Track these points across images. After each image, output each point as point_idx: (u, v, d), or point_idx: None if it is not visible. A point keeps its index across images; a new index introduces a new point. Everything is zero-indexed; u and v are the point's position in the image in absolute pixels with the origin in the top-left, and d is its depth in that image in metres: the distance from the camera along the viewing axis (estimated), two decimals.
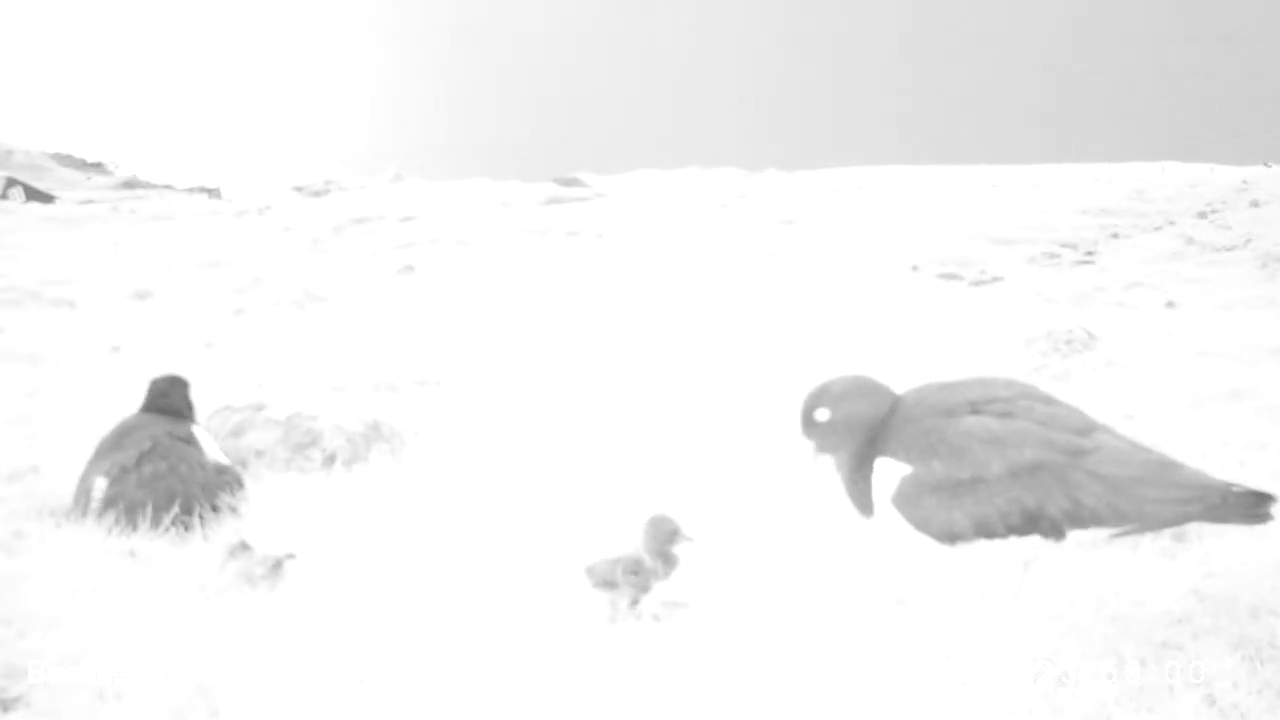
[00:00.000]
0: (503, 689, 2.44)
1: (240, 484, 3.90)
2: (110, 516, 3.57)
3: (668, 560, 2.86)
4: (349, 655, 2.59)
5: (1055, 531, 2.42)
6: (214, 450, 3.97)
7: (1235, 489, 2.34)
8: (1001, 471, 2.44)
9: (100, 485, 3.66)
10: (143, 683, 2.48)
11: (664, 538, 2.87)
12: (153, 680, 2.49)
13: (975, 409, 2.53)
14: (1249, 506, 2.33)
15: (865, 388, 2.72)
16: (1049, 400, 2.58)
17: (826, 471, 2.71)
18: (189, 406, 4.07)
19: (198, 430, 4.00)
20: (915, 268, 13.94)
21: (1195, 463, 3.43)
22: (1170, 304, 9.61)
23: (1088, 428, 2.49)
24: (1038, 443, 2.46)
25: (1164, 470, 2.40)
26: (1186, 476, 2.39)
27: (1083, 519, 2.40)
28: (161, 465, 3.70)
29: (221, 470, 3.88)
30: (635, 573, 2.82)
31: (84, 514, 3.64)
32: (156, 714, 2.38)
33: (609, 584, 2.82)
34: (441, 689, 2.44)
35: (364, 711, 2.39)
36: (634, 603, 2.81)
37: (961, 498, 2.47)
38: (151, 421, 3.89)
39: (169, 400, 4.00)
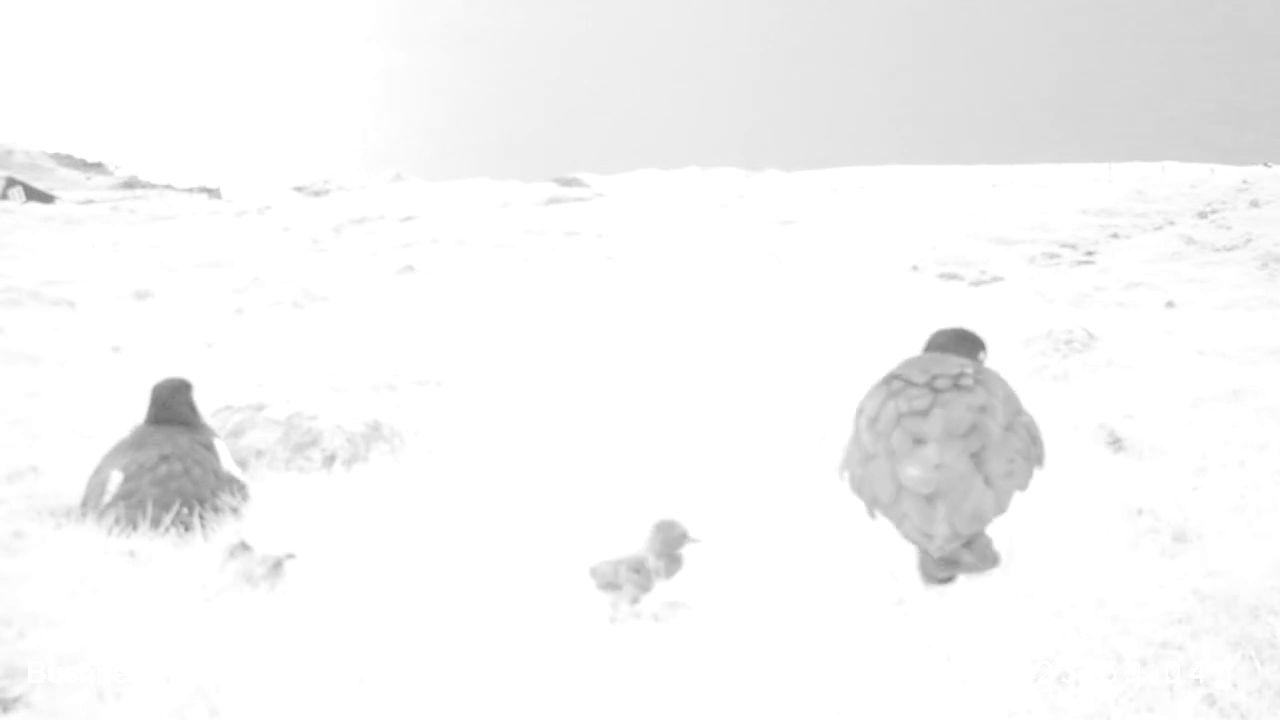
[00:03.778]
0: (503, 690, 2.43)
1: (245, 492, 3.90)
2: (112, 515, 3.56)
3: (672, 561, 2.87)
4: (349, 655, 2.59)
5: (870, 516, 2.73)
6: (229, 462, 3.99)
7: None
8: (874, 451, 2.75)
9: (116, 479, 3.67)
10: (143, 683, 2.48)
11: (671, 541, 2.87)
12: (153, 680, 2.49)
13: (892, 386, 2.82)
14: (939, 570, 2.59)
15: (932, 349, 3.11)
16: (953, 398, 2.72)
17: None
18: (193, 411, 4.04)
19: (218, 442, 4.02)
20: (915, 268, 13.95)
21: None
22: (1170, 304, 9.61)
23: (937, 437, 2.66)
24: (881, 432, 2.73)
25: (925, 503, 2.60)
26: (938, 512, 2.58)
27: (878, 512, 2.69)
28: (178, 466, 3.72)
29: (231, 480, 3.89)
30: (638, 571, 2.82)
31: (95, 507, 3.64)
32: (156, 714, 2.38)
33: (612, 585, 2.82)
34: (441, 690, 2.44)
35: (364, 712, 2.39)
36: (634, 601, 2.80)
37: (861, 469, 2.77)
38: (176, 431, 3.91)
39: (171, 411, 3.98)
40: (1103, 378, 5.60)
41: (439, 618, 2.79)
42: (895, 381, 2.85)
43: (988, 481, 2.61)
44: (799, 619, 2.69)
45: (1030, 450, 2.73)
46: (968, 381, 2.76)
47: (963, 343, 3.14)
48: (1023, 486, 2.65)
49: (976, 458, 2.62)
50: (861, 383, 3.10)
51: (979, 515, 2.58)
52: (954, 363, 2.90)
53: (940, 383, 2.76)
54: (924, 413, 2.70)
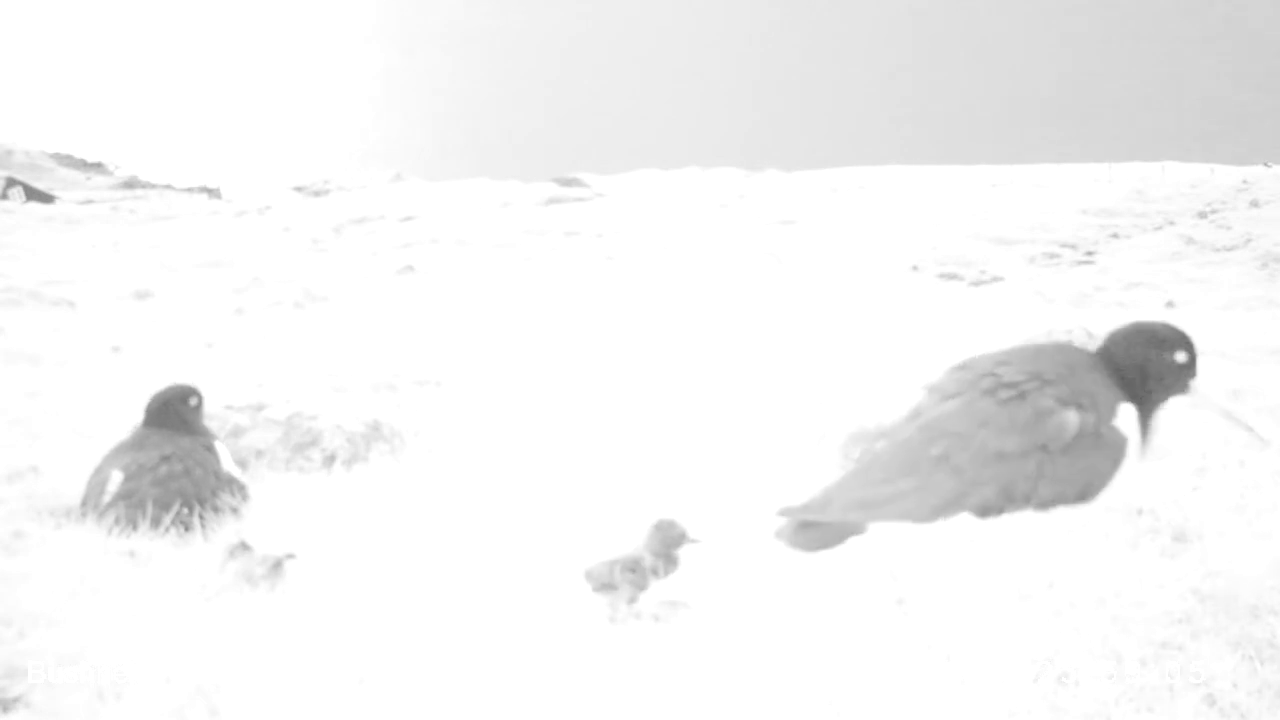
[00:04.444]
0: (502, 690, 2.43)
1: (245, 493, 3.90)
2: (112, 515, 3.56)
3: (669, 562, 2.86)
4: (349, 656, 2.59)
5: None
6: (229, 463, 3.99)
7: None
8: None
9: (116, 479, 3.67)
10: (143, 683, 2.48)
11: (670, 541, 2.87)
12: (153, 680, 2.48)
13: (951, 368, 2.70)
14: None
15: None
16: (970, 401, 2.54)
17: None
18: (184, 422, 3.99)
19: (218, 444, 4.02)
20: (915, 268, 13.96)
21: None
22: (1170, 304, 9.62)
23: (919, 425, 2.58)
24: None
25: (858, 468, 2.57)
26: (850, 481, 2.55)
27: None
28: (178, 467, 3.72)
29: (231, 480, 3.89)
30: (633, 570, 2.81)
31: (95, 507, 3.64)
32: (156, 714, 2.38)
33: (608, 587, 2.81)
34: (442, 690, 2.44)
35: (364, 712, 2.39)
36: (631, 601, 2.80)
37: None
38: (176, 433, 3.90)
39: (165, 419, 3.95)
40: None
41: (439, 618, 2.79)
42: (957, 366, 2.63)
43: (923, 489, 2.41)
44: (798, 618, 2.69)
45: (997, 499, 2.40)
46: (1006, 394, 2.44)
47: (1145, 344, 2.50)
48: (947, 514, 2.41)
49: (934, 462, 2.43)
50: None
51: (869, 506, 2.44)
52: (1053, 369, 2.47)
53: (986, 382, 2.49)
54: (946, 396, 2.53)
